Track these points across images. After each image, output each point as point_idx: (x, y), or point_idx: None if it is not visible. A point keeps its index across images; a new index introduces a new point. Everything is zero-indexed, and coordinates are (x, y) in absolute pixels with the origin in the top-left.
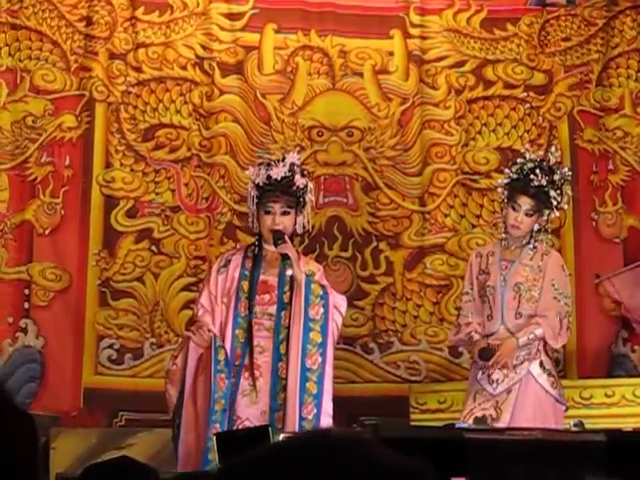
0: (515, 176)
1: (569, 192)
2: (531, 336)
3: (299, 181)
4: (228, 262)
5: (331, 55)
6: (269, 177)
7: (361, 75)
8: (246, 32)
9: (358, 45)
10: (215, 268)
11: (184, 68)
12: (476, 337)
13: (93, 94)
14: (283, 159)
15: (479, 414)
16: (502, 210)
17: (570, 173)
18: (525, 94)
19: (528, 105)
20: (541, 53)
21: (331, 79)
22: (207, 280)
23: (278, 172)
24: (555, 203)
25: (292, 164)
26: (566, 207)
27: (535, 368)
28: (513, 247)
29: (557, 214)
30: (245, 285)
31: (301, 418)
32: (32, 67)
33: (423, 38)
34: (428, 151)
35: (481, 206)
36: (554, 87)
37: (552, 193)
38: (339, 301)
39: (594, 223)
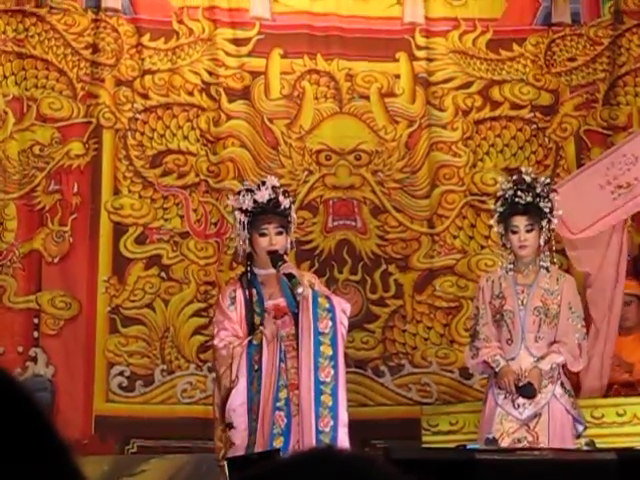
0: (501, 208)
1: (557, 198)
2: (554, 365)
3: (284, 202)
4: (234, 299)
5: (337, 79)
6: (255, 201)
7: (368, 98)
8: (252, 57)
9: (364, 68)
10: (225, 312)
11: (191, 94)
12: (502, 362)
13: (100, 121)
14: (263, 183)
15: (511, 439)
16: (504, 245)
17: (548, 181)
18: (532, 114)
19: (534, 126)
20: (547, 73)
21: (338, 103)
22: (222, 317)
23: (263, 195)
24: (547, 211)
25: (273, 186)
26: (561, 212)
27: (558, 389)
28: (526, 271)
29: (555, 221)
30: (256, 319)
31: (318, 431)
32: (39, 95)
33: (429, 60)
34: (436, 173)
35: (490, 227)
36: (560, 107)
37: (541, 204)
38: (343, 305)
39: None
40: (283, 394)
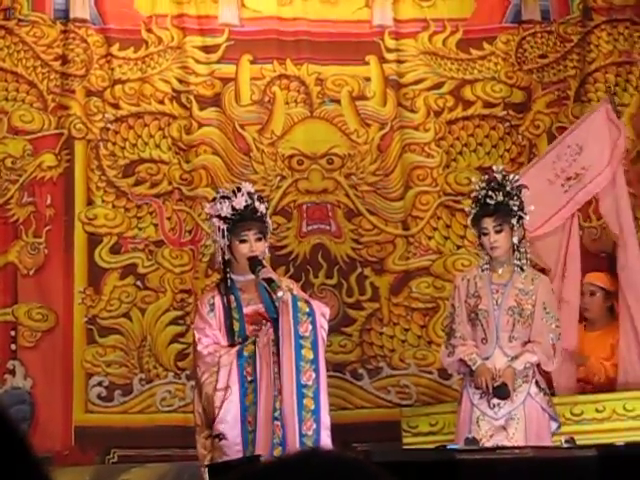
0: (474, 210)
1: (528, 194)
2: (527, 365)
3: (260, 207)
4: (213, 306)
5: (308, 83)
6: (233, 208)
7: (339, 102)
8: (222, 64)
9: (334, 72)
10: (205, 318)
11: (161, 102)
12: (479, 361)
13: (72, 132)
14: (239, 189)
15: (492, 444)
16: (481, 245)
17: (518, 177)
18: (505, 112)
19: (507, 124)
20: (519, 70)
21: (309, 107)
22: (203, 324)
23: (239, 202)
24: (516, 209)
25: (249, 192)
26: (532, 208)
27: (533, 388)
28: (501, 271)
29: (527, 218)
30: (235, 325)
31: (301, 435)
32: (9, 108)
33: (399, 62)
34: (409, 174)
35: (465, 227)
36: (532, 105)
37: (511, 202)
38: (322, 309)
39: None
40: (278, 404)
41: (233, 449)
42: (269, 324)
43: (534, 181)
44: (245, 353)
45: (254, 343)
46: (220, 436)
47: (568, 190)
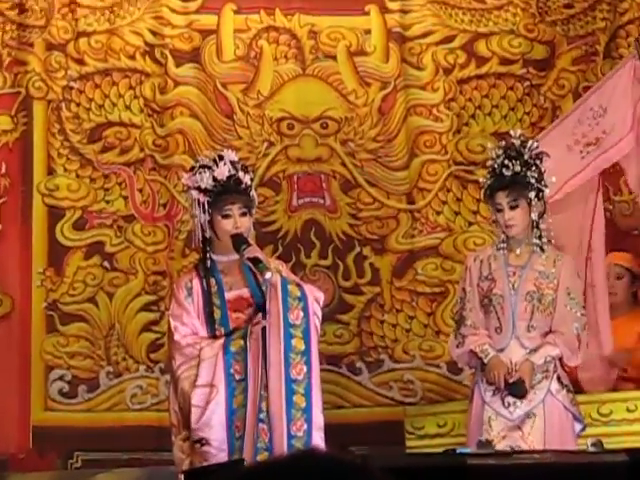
0: (489, 181)
1: (549, 164)
2: (548, 359)
3: (245, 178)
4: (190, 290)
5: (299, 36)
6: (215, 179)
7: (334, 58)
8: (202, 14)
9: (330, 24)
10: (183, 304)
11: (132, 58)
12: (492, 353)
13: (30, 91)
14: (220, 158)
15: (504, 446)
16: (496, 221)
17: (537, 144)
18: (524, 70)
19: (527, 83)
20: (541, 22)
21: (301, 64)
22: (180, 311)
23: (222, 172)
24: (534, 181)
25: (232, 161)
26: (554, 179)
27: (554, 384)
28: (519, 251)
29: (547, 191)
30: (216, 312)
31: (290, 436)
32: None
33: (404, 12)
34: (415, 141)
35: (478, 201)
36: (556, 61)
37: (528, 173)
38: (316, 293)
39: (609, 214)
40: (264, 404)
41: (218, 456)
42: (265, 317)
43: (552, 147)
44: (232, 348)
45: (243, 337)
46: (202, 441)
47: (585, 156)
